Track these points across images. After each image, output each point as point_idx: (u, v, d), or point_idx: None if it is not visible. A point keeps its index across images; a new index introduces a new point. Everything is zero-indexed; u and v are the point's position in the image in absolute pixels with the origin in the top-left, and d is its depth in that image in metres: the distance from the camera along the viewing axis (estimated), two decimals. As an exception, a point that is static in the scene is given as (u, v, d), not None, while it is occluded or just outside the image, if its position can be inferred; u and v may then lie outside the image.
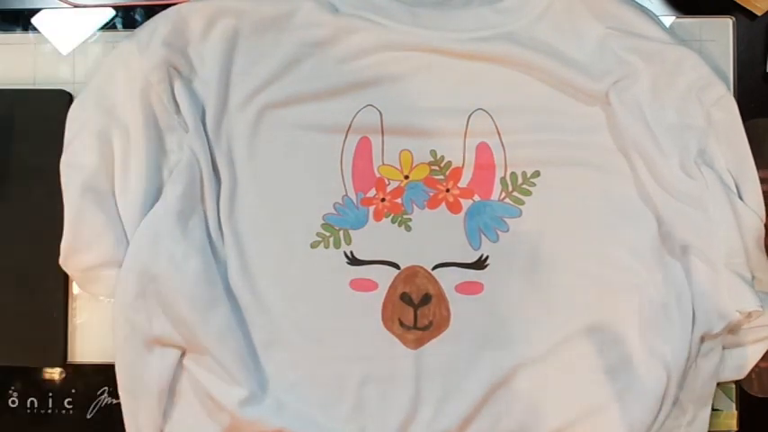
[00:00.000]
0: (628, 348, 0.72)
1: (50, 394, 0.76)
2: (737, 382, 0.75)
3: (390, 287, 0.73)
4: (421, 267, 0.73)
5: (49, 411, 0.76)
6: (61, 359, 0.76)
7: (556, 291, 0.73)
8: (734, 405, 0.75)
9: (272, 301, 0.73)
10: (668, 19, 0.76)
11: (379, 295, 0.73)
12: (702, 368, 0.71)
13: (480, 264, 0.73)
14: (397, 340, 0.73)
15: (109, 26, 0.77)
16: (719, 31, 0.77)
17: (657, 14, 0.75)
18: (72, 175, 0.71)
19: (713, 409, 0.74)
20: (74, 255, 0.71)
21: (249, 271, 0.73)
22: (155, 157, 0.71)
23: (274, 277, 0.73)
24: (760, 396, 0.75)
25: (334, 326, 0.73)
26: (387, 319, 0.73)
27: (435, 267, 0.73)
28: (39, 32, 0.78)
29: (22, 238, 0.73)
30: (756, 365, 0.73)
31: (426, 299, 0.73)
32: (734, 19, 0.77)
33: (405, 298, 0.73)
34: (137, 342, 0.70)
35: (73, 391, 0.76)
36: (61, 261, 0.71)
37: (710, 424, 0.73)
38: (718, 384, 0.73)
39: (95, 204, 0.70)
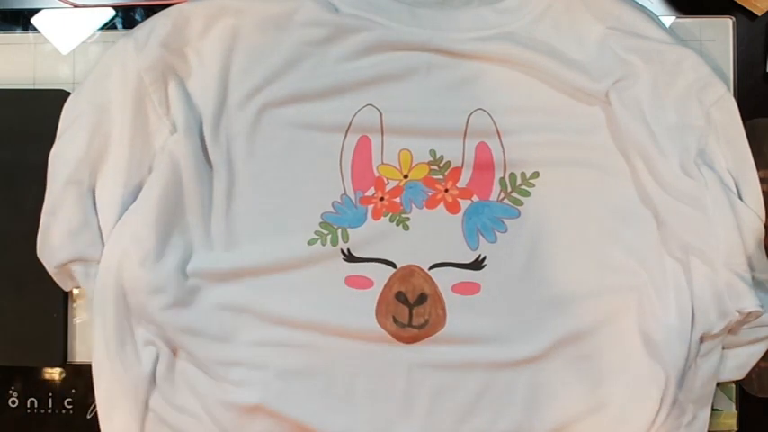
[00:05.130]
0: (626, 349, 0.72)
1: (50, 394, 0.77)
2: (737, 382, 0.75)
3: (386, 285, 0.73)
4: (417, 267, 0.73)
5: (49, 411, 0.76)
6: (61, 359, 0.76)
7: (554, 291, 0.73)
8: (734, 405, 0.75)
9: (266, 296, 0.73)
10: (668, 19, 0.76)
11: (374, 293, 0.73)
12: (702, 368, 0.71)
13: (477, 264, 0.73)
14: (390, 337, 0.72)
15: (109, 26, 0.78)
16: (719, 31, 0.76)
17: (657, 14, 0.75)
18: (57, 168, 0.71)
19: (713, 409, 0.74)
20: (47, 248, 0.71)
21: (244, 268, 0.73)
22: (138, 157, 0.71)
23: (270, 274, 0.73)
24: (760, 396, 0.75)
25: (328, 322, 0.72)
26: (381, 317, 0.72)
27: (432, 267, 0.73)
28: (39, 32, 0.78)
29: (23, 237, 0.73)
30: (756, 365, 0.73)
31: (422, 298, 0.73)
32: (734, 19, 0.76)
33: (400, 297, 0.73)
34: (116, 346, 0.70)
35: (73, 391, 0.76)
36: (38, 252, 0.71)
37: (710, 424, 0.72)
38: (718, 384, 0.73)
39: (75, 199, 0.71)
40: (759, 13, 0.76)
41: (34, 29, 0.78)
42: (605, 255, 0.72)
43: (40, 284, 0.74)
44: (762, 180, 0.72)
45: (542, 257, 0.73)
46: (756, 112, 0.75)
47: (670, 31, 0.74)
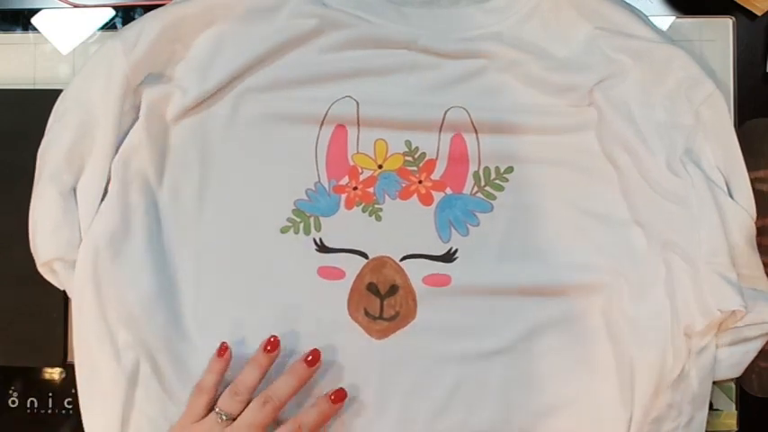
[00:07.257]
0: (594, 347, 0.72)
1: (50, 394, 0.77)
2: (738, 383, 0.75)
3: (357, 277, 0.73)
4: (389, 258, 0.73)
5: (49, 411, 0.77)
6: (61, 359, 0.76)
7: (524, 286, 0.73)
8: (734, 405, 0.75)
9: (239, 285, 0.73)
10: (668, 19, 0.76)
11: (346, 284, 0.73)
12: (697, 368, 0.70)
13: (449, 257, 0.73)
14: (361, 330, 0.72)
15: (109, 26, 0.78)
16: (719, 31, 0.76)
17: (658, 14, 0.75)
18: (41, 165, 0.72)
19: (714, 410, 0.74)
20: (34, 245, 0.71)
21: (216, 255, 0.73)
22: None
23: (242, 261, 0.73)
24: (760, 396, 0.75)
25: (299, 313, 0.73)
26: (352, 309, 0.73)
27: (403, 258, 0.73)
28: (39, 32, 0.78)
29: (23, 237, 0.73)
30: (756, 365, 0.73)
31: (393, 290, 0.73)
32: (734, 19, 0.76)
33: (371, 288, 0.73)
34: (96, 344, 0.70)
35: (73, 391, 0.76)
36: (31, 249, 0.72)
37: (710, 424, 0.72)
38: (718, 384, 0.73)
39: (56, 197, 0.71)
40: (759, 13, 0.76)
41: (34, 29, 0.78)
42: (575, 253, 0.73)
43: (40, 284, 0.74)
44: (762, 180, 0.72)
45: (514, 252, 0.73)
46: (756, 112, 0.75)
47: (660, 30, 0.74)
